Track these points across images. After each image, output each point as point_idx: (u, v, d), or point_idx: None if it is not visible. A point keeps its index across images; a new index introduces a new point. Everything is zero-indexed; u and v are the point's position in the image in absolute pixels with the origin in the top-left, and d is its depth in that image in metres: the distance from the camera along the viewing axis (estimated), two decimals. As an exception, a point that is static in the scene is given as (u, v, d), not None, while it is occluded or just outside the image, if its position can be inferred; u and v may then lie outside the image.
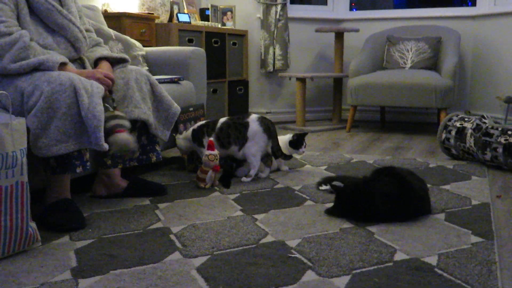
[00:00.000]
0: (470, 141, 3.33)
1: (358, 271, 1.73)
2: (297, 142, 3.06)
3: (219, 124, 2.94)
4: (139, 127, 2.56)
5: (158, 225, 2.19)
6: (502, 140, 3.12)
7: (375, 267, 1.76)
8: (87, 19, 2.83)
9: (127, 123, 2.24)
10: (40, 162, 2.15)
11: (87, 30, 2.58)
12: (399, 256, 1.85)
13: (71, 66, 2.28)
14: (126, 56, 2.55)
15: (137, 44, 3.61)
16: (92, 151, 2.48)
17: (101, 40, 2.65)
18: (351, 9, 5.90)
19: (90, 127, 2.03)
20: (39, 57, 2.11)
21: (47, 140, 2.00)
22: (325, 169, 3.22)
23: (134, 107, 2.45)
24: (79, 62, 2.47)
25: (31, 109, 2.02)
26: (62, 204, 2.17)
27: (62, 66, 2.19)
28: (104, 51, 2.53)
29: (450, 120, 3.55)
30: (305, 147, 3.07)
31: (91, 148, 2.16)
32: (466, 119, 3.46)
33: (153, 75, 3.39)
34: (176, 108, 2.68)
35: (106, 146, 2.08)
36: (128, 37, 3.57)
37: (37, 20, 2.26)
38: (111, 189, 2.59)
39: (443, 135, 3.54)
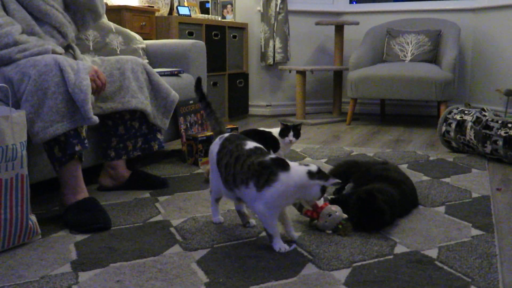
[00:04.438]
0: (470, 134, 3.32)
1: (358, 264, 1.73)
2: (283, 132, 3.01)
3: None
4: (139, 117, 2.56)
5: (158, 218, 2.19)
6: (502, 133, 3.11)
7: (375, 260, 1.76)
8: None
9: None
10: (49, 160, 2.13)
11: None
12: (399, 249, 1.84)
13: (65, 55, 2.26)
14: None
15: (137, 37, 3.60)
16: (95, 142, 2.49)
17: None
18: (351, 2, 5.89)
19: (77, 101, 2.01)
20: (34, 49, 2.11)
21: (42, 122, 1.99)
22: (325, 162, 3.22)
23: (131, 97, 2.44)
24: (70, 51, 2.45)
25: (23, 96, 2.01)
26: (85, 204, 2.12)
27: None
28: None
29: (450, 113, 3.54)
30: (294, 137, 2.96)
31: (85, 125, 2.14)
32: (466, 112, 3.46)
33: (153, 68, 3.38)
34: (174, 95, 2.68)
35: (95, 119, 2.06)
36: (128, 30, 3.57)
37: (23, 8, 2.23)
38: (117, 181, 2.59)
39: (443, 128, 3.53)
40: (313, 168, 1.78)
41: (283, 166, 1.77)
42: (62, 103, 2.01)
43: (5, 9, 2.18)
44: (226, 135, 2.00)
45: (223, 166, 1.91)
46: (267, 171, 1.76)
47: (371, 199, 1.99)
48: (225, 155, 1.91)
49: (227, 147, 1.92)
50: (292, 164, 1.79)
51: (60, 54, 2.20)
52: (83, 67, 2.08)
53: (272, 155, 1.82)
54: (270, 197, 1.75)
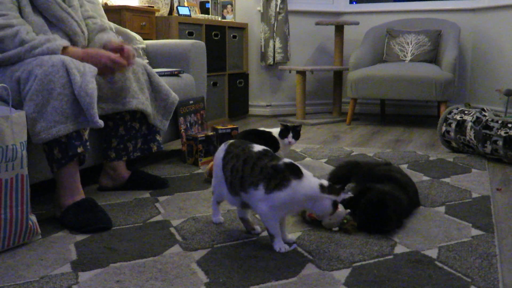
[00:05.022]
0: (470, 134, 3.32)
1: (358, 264, 1.73)
2: (282, 132, 3.00)
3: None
4: (139, 117, 2.56)
5: (158, 218, 2.19)
6: (502, 133, 3.11)
7: (376, 260, 1.76)
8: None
9: None
10: (47, 161, 2.13)
11: (90, 17, 2.55)
12: (399, 249, 1.84)
13: (73, 48, 2.26)
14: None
15: (138, 37, 3.60)
16: (95, 142, 2.49)
17: (107, 26, 2.59)
18: (351, 2, 5.89)
19: (83, 104, 2.01)
20: (43, 47, 2.12)
21: (45, 122, 1.99)
22: (325, 162, 3.22)
23: (132, 98, 2.45)
24: None
25: (27, 95, 2.01)
26: (85, 205, 2.11)
27: (64, 50, 2.18)
28: (109, 35, 2.50)
29: (450, 113, 3.54)
30: (294, 138, 2.95)
31: (89, 130, 2.15)
32: (466, 112, 3.46)
33: (153, 68, 3.38)
34: (174, 97, 2.69)
35: (101, 123, 2.06)
36: (128, 30, 3.57)
37: (37, 12, 2.25)
38: (117, 181, 2.59)
39: (443, 128, 3.53)
40: (325, 182, 1.77)
41: (296, 173, 1.75)
42: (66, 105, 2.01)
43: (20, 12, 2.19)
44: (232, 140, 1.98)
45: (228, 171, 1.87)
46: (279, 176, 1.74)
47: (381, 206, 1.99)
48: (231, 159, 1.87)
49: (232, 151, 1.89)
50: (306, 173, 1.77)
51: (67, 47, 2.20)
52: (90, 70, 2.08)
53: (286, 160, 1.80)
54: (277, 201, 1.74)
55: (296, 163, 1.79)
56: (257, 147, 1.88)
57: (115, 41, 2.40)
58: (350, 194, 1.79)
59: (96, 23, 2.54)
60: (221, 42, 4.89)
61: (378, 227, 2.00)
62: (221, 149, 1.96)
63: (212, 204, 2.13)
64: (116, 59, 2.26)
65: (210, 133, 3.19)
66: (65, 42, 2.19)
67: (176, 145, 3.77)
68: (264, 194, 1.75)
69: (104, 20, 2.62)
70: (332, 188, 1.76)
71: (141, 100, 2.48)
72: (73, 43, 2.36)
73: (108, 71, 2.29)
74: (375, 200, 2.00)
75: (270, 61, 5.42)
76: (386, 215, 1.99)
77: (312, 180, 1.76)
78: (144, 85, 2.54)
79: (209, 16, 5.02)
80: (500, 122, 3.17)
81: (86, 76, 2.04)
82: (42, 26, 2.23)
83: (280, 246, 1.82)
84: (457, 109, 3.56)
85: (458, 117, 3.46)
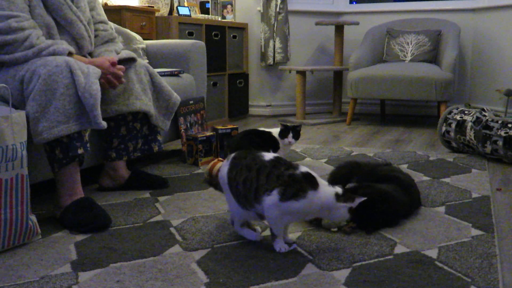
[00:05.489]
0: (470, 134, 3.32)
1: (358, 264, 1.73)
2: (282, 132, 2.99)
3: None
4: (141, 118, 2.56)
5: (158, 218, 2.19)
6: (502, 133, 3.11)
7: (376, 260, 1.76)
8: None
9: None
10: (48, 161, 2.13)
11: (102, 22, 2.56)
12: (399, 249, 1.84)
13: (78, 56, 2.28)
14: (134, 55, 2.53)
15: (138, 37, 3.60)
16: (96, 142, 2.49)
17: (115, 35, 2.61)
18: (351, 2, 5.89)
19: (87, 106, 2.02)
20: (49, 48, 2.13)
21: (48, 122, 1.99)
22: (325, 162, 3.22)
23: (135, 100, 2.45)
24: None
25: (30, 95, 2.01)
26: (84, 204, 2.11)
27: (70, 55, 2.20)
28: (111, 52, 2.50)
29: (450, 113, 3.54)
30: (294, 138, 2.95)
31: (92, 132, 2.15)
32: (466, 112, 3.46)
33: (154, 68, 3.38)
34: (176, 98, 2.69)
35: (104, 124, 2.06)
36: (128, 30, 3.57)
37: (47, 13, 2.25)
38: (117, 181, 2.59)
39: (443, 128, 3.53)
40: (340, 190, 1.76)
41: (313, 183, 1.73)
42: (69, 105, 2.02)
43: (30, 12, 2.19)
44: (233, 154, 1.89)
45: (241, 183, 1.78)
46: (296, 185, 1.71)
47: (371, 203, 1.99)
48: (240, 172, 1.79)
49: (239, 164, 1.81)
50: (321, 182, 1.76)
51: (72, 53, 2.22)
52: (93, 71, 2.09)
53: (302, 169, 1.77)
54: (290, 209, 1.72)
55: (310, 170, 1.79)
56: (267, 155, 1.82)
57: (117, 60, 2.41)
58: (365, 197, 1.80)
59: (107, 30, 2.57)
60: (221, 42, 4.89)
61: (366, 224, 2.02)
62: (225, 164, 1.89)
63: (238, 231, 1.96)
64: (118, 74, 2.31)
65: (210, 133, 3.19)
66: (71, 48, 2.21)
67: (176, 145, 3.77)
68: (278, 201, 1.71)
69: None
70: (348, 195, 1.76)
71: (144, 101, 2.49)
72: (79, 47, 2.37)
73: (111, 84, 2.32)
74: (365, 197, 2.01)
75: (270, 61, 5.42)
76: (375, 212, 2.00)
77: (327, 190, 1.75)
78: (147, 86, 2.54)
79: (209, 16, 5.02)
80: (500, 122, 3.17)
81: (90, 77, 2.05)
82: (51, 29, 2.24)
83: (280, 246, 1.82)
84: (457, 109, 3.56)
85: (458, 117, 3.46)
